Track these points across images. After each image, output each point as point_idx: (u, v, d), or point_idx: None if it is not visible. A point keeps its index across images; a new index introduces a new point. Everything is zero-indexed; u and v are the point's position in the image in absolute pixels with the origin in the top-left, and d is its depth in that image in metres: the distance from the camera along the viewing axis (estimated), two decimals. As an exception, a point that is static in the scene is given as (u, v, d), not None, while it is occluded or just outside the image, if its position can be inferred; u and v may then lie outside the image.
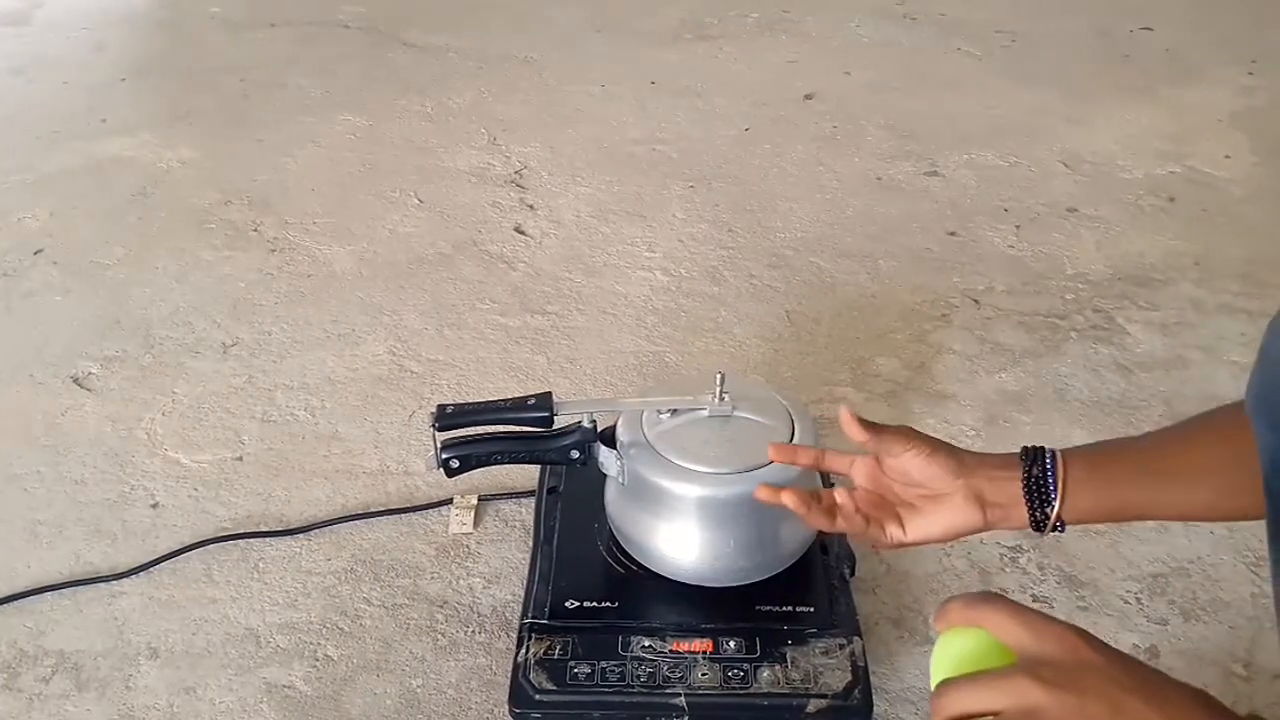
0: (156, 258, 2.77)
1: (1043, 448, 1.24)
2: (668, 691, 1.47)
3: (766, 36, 4.18)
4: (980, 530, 1.25)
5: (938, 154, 3.24)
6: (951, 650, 0.94)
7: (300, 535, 1.94)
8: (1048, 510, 1.22)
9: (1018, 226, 2.85)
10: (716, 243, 2.79)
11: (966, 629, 0.93)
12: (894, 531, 1.28)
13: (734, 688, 1.47)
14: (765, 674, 1.48)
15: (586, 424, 1.59)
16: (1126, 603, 1.78)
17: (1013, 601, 0.92)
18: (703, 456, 1.54)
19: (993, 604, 0.92)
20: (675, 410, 1.59)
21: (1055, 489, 1.22)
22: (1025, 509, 1.23)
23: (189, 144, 3.38)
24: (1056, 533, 1.24)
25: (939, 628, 0.96)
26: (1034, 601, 1.77)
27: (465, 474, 1.61)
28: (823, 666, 1.49)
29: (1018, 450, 1.25)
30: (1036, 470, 1.23)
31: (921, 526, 1.27)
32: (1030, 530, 1.23)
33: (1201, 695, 0.85)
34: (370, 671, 1.69)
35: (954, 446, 1.26)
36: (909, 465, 1.25)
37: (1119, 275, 2.63)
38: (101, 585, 1.85)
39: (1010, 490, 1.24)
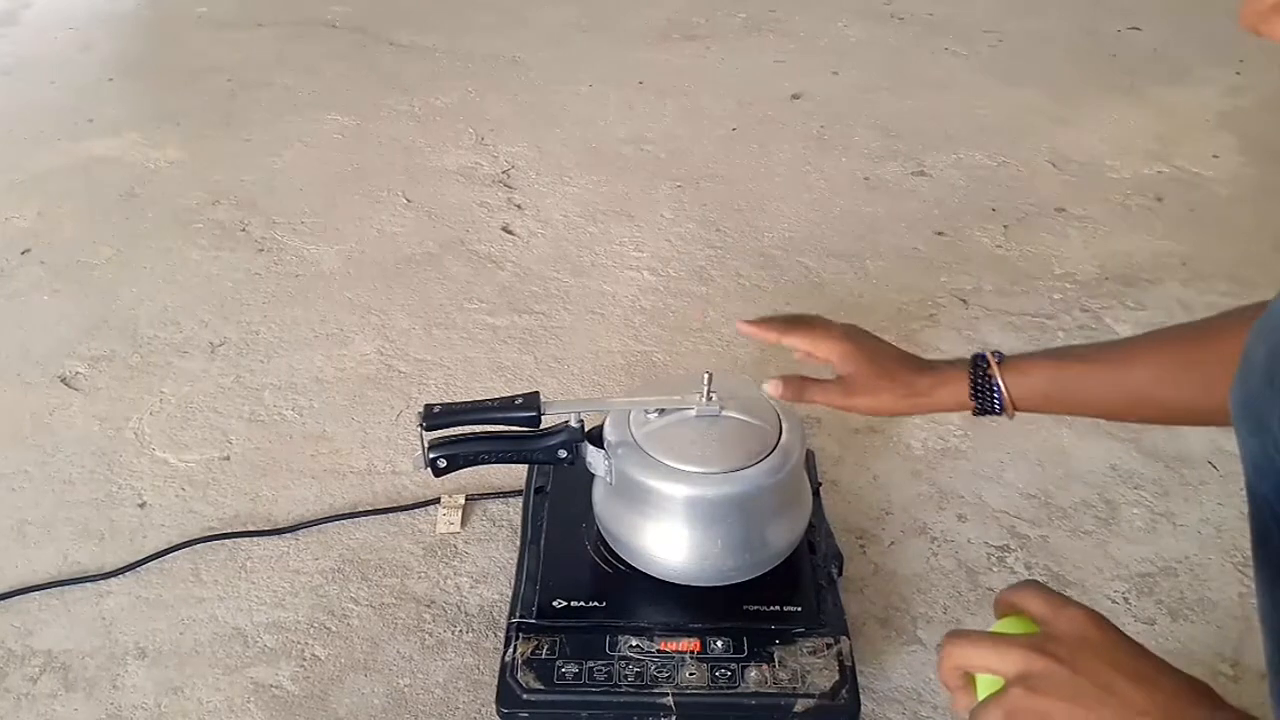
0: (144, 258, 2.77)
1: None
2: (655, 691, 1.47)
3: (754, 36, 4.18)
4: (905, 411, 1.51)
5: (925, 154, 3.24)
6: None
7: (288, 535, 1.94)
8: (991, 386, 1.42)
9: (1005, 226, 2.86)
10: (704, 242, 2.79)
11: (1013, 619, 1.02)
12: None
13: (721, 687, 1.47)
14: (753, 674, 1.48)
15: (574, 424, 1.60)
16: (1114, 602, 1.78)
17: (1046, 587, 1.00)
18: (690, 456, 1.54)
19: (1029, 586, 1.00)
20: (663, 410, 1.59)
21: (998, 378, 1.41)
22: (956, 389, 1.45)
23: (176, 144, 3.38)
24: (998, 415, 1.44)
25: (996, 616, 1.04)
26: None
27: (453, 474, 1.61)
28: (810, 666, 1.49)
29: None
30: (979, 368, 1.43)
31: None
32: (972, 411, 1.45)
33: (1199, 686, 0.88)
34: (358, 671, 1.69)
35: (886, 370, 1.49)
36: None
37: (1107, 275, 2.64)
38: (89, 585, 1.85)
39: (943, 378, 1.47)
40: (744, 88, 3.72)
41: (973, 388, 1.43)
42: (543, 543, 1.71)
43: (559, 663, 1.50)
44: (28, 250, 2.80)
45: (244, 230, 2.88)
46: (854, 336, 1.51)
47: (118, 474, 2.09)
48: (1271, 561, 1.07)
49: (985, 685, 0.97)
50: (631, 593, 1.62)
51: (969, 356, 1.44)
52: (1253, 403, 1.01)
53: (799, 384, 1.51)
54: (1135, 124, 3.42)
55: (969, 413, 1.44)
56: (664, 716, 1.46)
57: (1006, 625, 1.01)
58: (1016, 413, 1.42)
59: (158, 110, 3.65)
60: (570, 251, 2.76)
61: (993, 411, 1.43)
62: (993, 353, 1.43)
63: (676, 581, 1.60)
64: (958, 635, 0.97)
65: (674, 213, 2.94)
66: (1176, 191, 3.04)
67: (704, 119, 3.50)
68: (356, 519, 1.97)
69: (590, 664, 1.50)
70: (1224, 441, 2.08)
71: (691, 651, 1.51)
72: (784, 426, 1.59)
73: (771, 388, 1.51)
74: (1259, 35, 0.86)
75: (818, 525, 1.73)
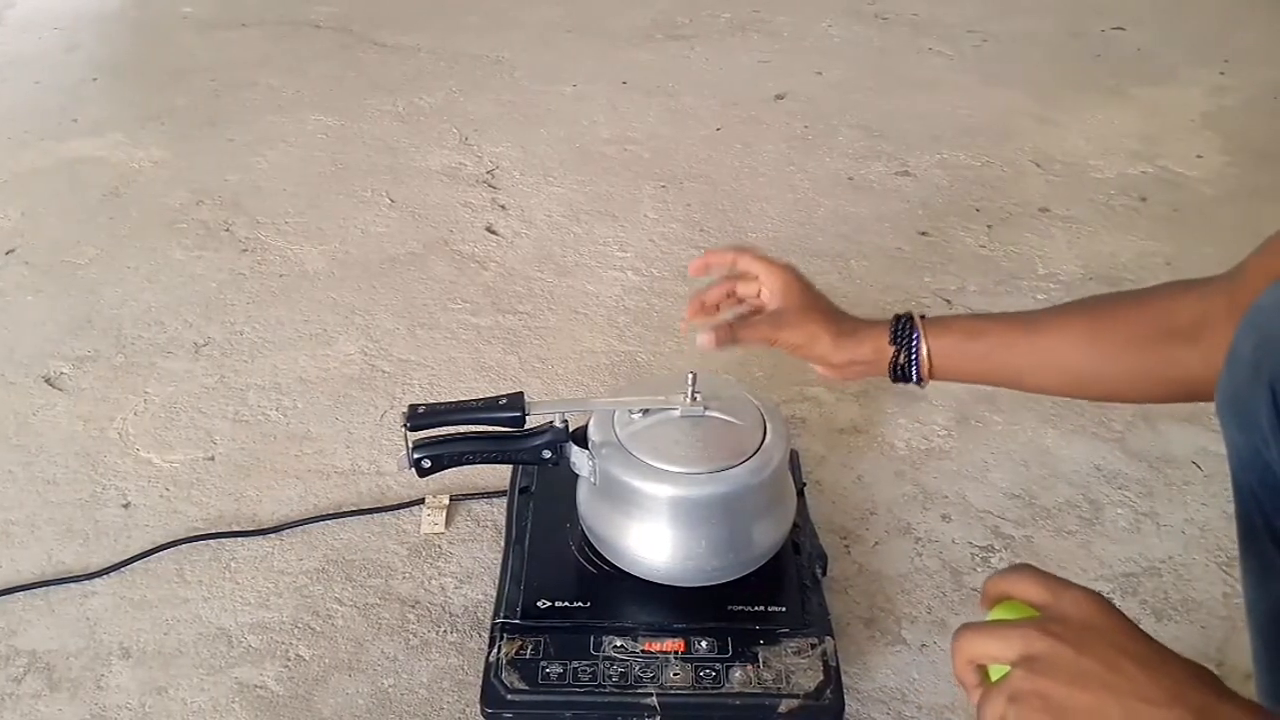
0: (128, 257, 2.76)
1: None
2: (639, 691, 1.47)
3: (738, 36, 4.19)
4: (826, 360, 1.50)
5: (909, 154, 3.25)
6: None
7: (272, 535, 1.94)
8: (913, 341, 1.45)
9: (989, 226, 2.86)
10: (688, 242, 2.79)
11: (1008, 605, 0.99)
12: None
13: (706, 688, 1.47)
14: (737, 674, 1.48)
15: (558, 424, 1.60)
16: (1098, 602, 1.79)
17: (1040, 570, 0.97)
18: (674, 456, 1.54)
19: (1021, 571, 0.98)
20: (647, 410, 1.59)
21: (918, 327, 1.45)
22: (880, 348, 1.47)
23: (161, 144, 3.37)
24: (913, 384, 1.47)
25: (983, 606, 1.02)
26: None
27: (437, 474, 1.61)
28: (794, 666, 1.49)
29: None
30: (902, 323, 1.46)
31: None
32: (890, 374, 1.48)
33: (1203, 672, 0.87)
34: (342, 671, 1.69)
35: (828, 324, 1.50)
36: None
37: (1091, 275, 2.64)
38: (73, 585, 1.84)
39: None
40: (728, 88, 3.72)
41: (893, 334, 1.46)
42: (527, 543, 1.71)
43: (543, 663, 1.50)
44: (12, 250, 2.80)
45: (228, 230, 2.88)
46: (795, 271, 1.54)
47: (102, 474, 2.08)
48: (1257, 554, 1.07)
49: (996, 676, 0.96)
50: (616, 593, 1.62)
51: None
52: (1239, 396, 1.02)
53: (728, 329, 1.50)
54: (1119, 124, 3.43)
55: (886, 376, 1.49)
56: (648, 717, 1.46)
57: (1002, 612, 0.99)
58: (931, 379, 1.46)
59: (142, 110, 3.64)
60: (554, 251, 2.76)
61: (910, 367, 1.46)
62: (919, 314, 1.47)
63: (661, 582, 1.60)
64: (965, 629, 0.94)
65: (658, 213, 2.94)
66: (1161, 191, 3.04)
67: (688, 119, 3.51)
68: (341, 519, 1.97)
69: (575, 664, 1.50)
70: (1208, 442, 2.08)
71: (676, 652, 1.51)
72: (768, 427, 1.59)
73: (703, 340, 1.49)
74: None
75: (802, 525, 1.74)
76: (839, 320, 1.51)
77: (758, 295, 1.56)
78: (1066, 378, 1.40)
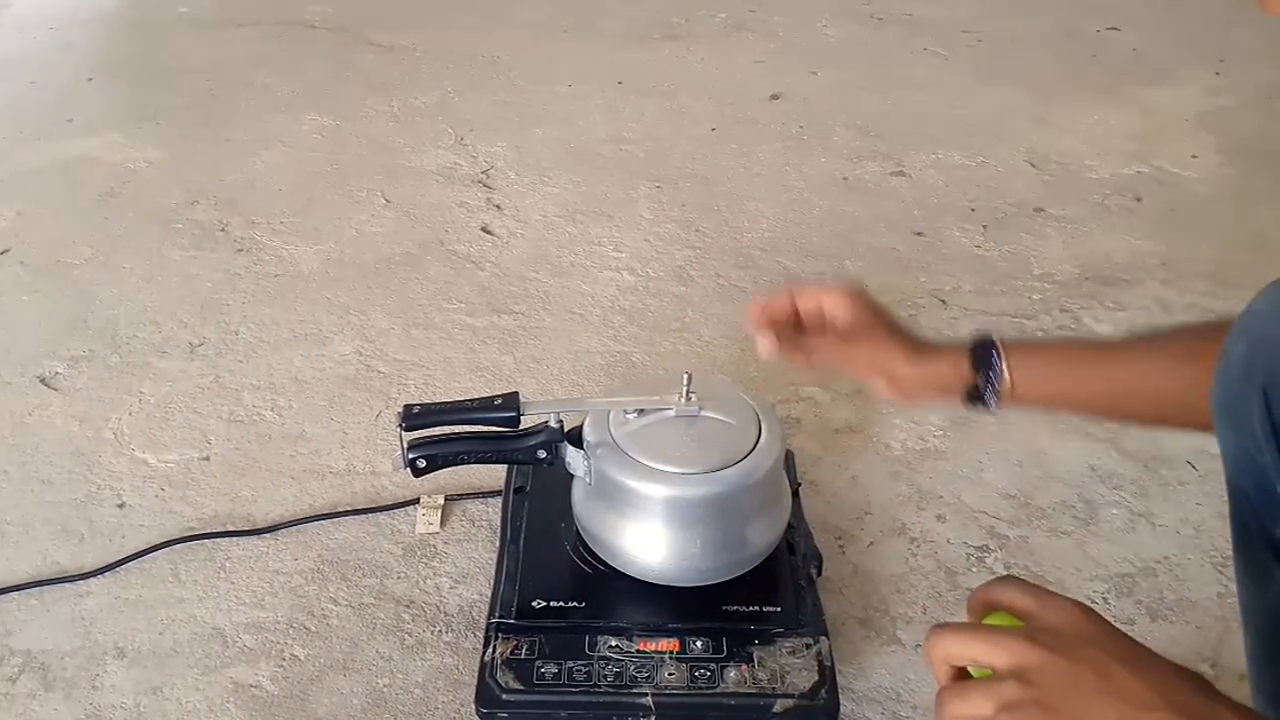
0: (124, 258, 2.76)
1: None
2: (634, 691, 1.47)
3: (733, 36, 4.18)
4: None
5: (904, 154, 3.24)
6: None
7: (267, 535, 1.94)
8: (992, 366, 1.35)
9: (985, 226, 2.86)
10: (683, 243, 2.79)
11: (995, 615, 0.98)
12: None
13: (701, 688, 1.47)
14: (732, 674, 1.48)
15: (553, 424, 1.60)
16: (1094, 603, 1.78)
17: (1024, 581, 0.97)
18: (669, 456, 1.54)
19: (1006, 582, 0.98)
20: (642, 410, 1.59)
21: (998, 354, 1.35)
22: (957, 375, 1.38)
23: (156, 144, 3.37)
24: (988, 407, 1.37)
25: (970, 619, 1.00)
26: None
27: (432, 474, 1.61)
28: (789, 666, 1.49)
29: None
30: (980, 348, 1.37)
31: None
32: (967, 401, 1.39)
33: (1191, 674, 0.87)
34: (337, 671, 1.69)
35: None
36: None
37: (1086, 275, 2.64)
38: (68, 585, 1.84)
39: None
40: (723, 88, 3.72)
41: (973, 355, 1.37)
42: (522, 543, 1.71)
43: (538, 663, 1.50)
44: (7, 250, 2.80)
45: (223, 230, 2.88)
46: (861, 289, 1.43)
47: (97, 474, 2.08)
48: (1252, 556, 1.07)
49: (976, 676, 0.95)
50: (611, 593, 1.62)
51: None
52: (1232, 399, 1.02)
53: (791, 341, 1.45)
54: (1114, 124, 3.42)
55: (959, 399, 1.39)
56: (643, 717, 1.46)
57: (992, 621, 0.98)
58: (1010, 401, 1.36)
59: (137, 110, 3.64)
60: (549, 252, 2.76)
61: (988, 388, 1.36)
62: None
63: (656, 582, 1.60)
64: (943, 627, 0.94)
65: (653, 213, 2.94)
66: (1156, 191, 3.04)
67: (683, 119, 3.51)
68: (336, 519, 1.97)
69: (569, 664, 1.50)
70: (1203, 442, 2.07)
71: (671, 652, 1.51)
72: (763, 427, 1.59)
73: (765, 345, 1.44)
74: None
75: (797, 525, 1.73)
76: (912, 336, 1.43)
77: (820, 315, 1.44)
78: (1160, 406, 1.32)
